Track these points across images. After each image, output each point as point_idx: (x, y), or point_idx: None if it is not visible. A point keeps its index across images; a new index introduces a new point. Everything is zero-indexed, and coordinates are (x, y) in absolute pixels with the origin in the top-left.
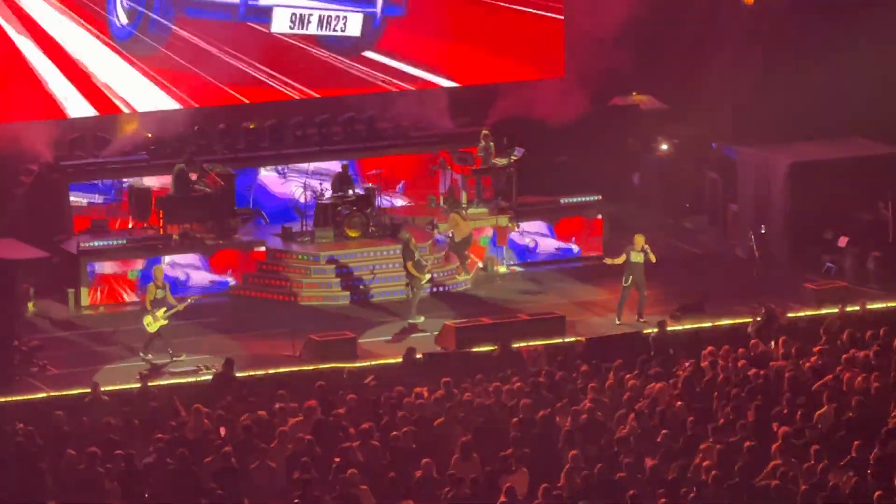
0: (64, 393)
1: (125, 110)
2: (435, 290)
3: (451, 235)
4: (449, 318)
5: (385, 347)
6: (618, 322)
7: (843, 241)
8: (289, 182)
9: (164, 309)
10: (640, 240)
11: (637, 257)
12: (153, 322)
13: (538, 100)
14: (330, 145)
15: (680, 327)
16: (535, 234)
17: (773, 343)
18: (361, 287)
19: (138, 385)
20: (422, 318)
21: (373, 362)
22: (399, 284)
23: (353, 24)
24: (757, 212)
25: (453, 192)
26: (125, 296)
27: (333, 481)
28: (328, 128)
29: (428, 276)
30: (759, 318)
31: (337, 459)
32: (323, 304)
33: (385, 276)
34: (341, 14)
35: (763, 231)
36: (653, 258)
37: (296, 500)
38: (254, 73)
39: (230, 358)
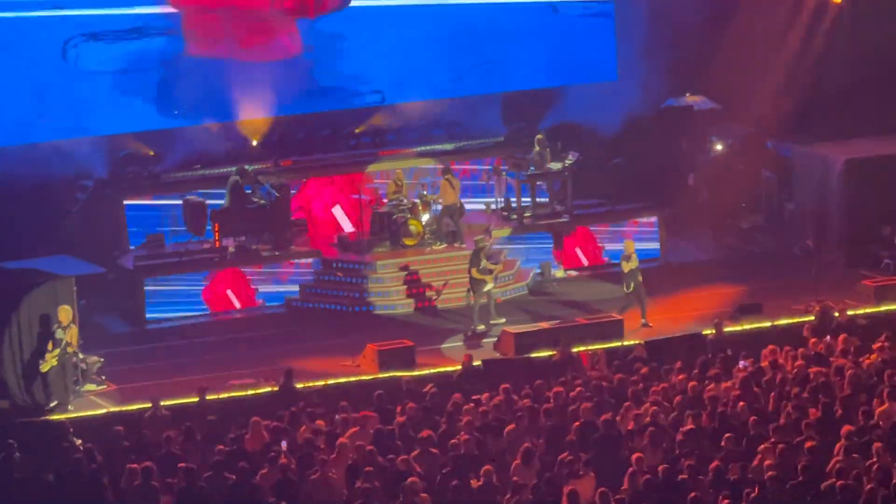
0: (124, 408)
1: None
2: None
3: (440, 202)
4: (507, 325)
5: (446, 355)
6: (644, 324)
7: None
8: None
9: (58, 351)
10: (630, 245)
11: (628, 266)
12: (44, 362)
13: (592, 103)
14: (383, 152)
15: (738, 328)
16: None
17: (829, 340)
18: (429, 296)
19: (196, 399)
20: (482, 326)
21: (432, 370)
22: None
23: None
24: (813, 210)
25: (448, 163)
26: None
27: (394, 490)
28: (381, 136)
29: (491, 286)
30: (814, 317)
31: (397, 469)
32: (385, 312)
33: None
34: None
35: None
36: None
37: None
38: None
39: (290, 369)
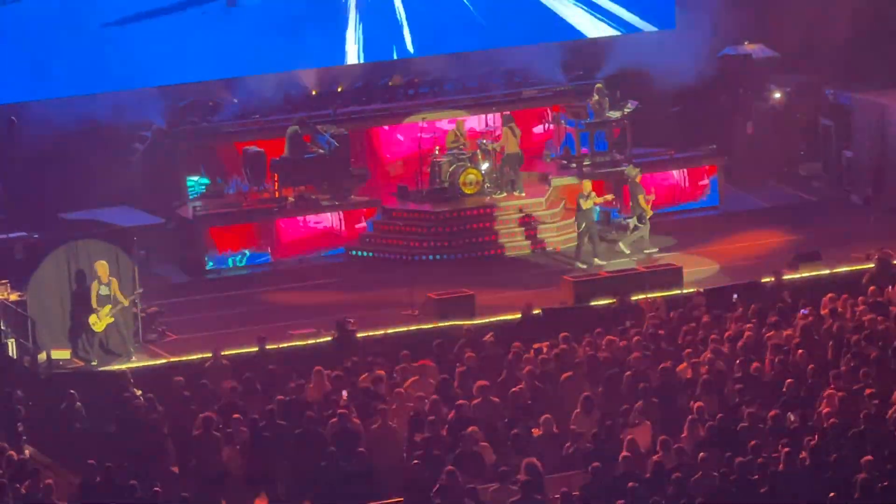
0: (183, 358)
1: None
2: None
3: (500, 150)
4: (565, 273)
5: (504, 303)
6: (581, 266)
7: None
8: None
9: (110, 307)
10: (587, 185)
11: (586, 204)
12: (98, 321)
13: (650, 52)
14: (442, 102)
15: (797, 276)
16: None
17: (889, 289)
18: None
19: (256, 348)
20: (628, 251)
21: (491, 319)
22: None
23: None
24: (872, 157)
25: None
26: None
27: (454, 439)
28: (440, 85)
29: (651, 213)
30: (873, 265)
31: (457, 417)
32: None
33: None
34: None
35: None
36: (599, 200)
37: (416, 461)
38: None
39: (344, 320)
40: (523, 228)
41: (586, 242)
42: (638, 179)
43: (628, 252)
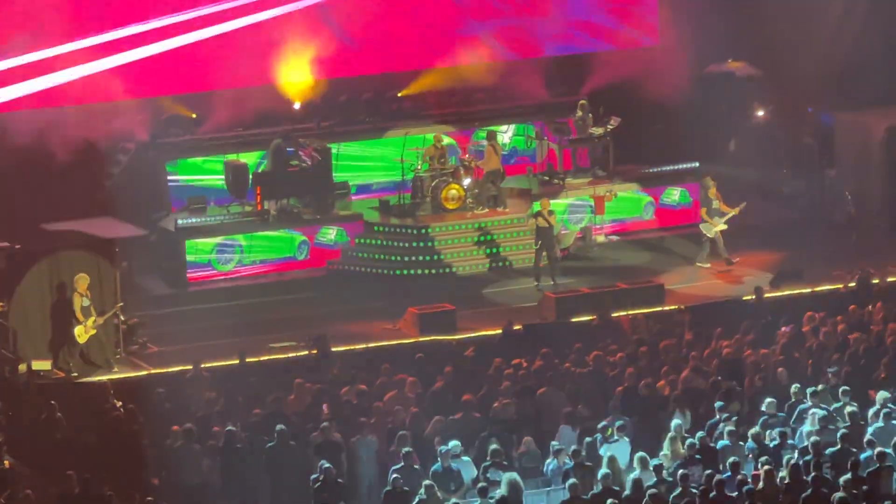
0: (164, 370)
1: None
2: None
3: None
4: (547, 289)
5: (485, 319)
6: (536, 284)
7: None
8: None
9: (94, 318)
10: (545, 204)
11: (541, 222)
12: (83, 333)
13: (634, 68)
14: (425, 117)
15: (779, 294)
16: None
17: (870, 307)
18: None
19: (237, 361)
20: (707, 264)
21: (472, 334)
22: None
23: None
24: (854, 176)
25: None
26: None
27: (433, 453)
28: (423, 100)
29: (720, 228)
30: (852, 283)
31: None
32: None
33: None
34: None
35: (849, 197)
36: (553, 222)
37: (395, 474)
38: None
39: (323, 334)
40: (483, 245)
41: (544, 258)
42: (710, 193)
43: (708, 265)
